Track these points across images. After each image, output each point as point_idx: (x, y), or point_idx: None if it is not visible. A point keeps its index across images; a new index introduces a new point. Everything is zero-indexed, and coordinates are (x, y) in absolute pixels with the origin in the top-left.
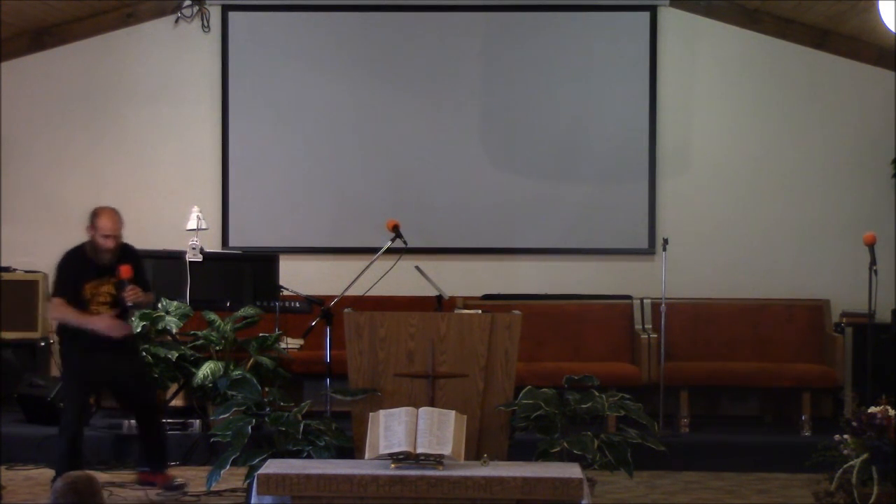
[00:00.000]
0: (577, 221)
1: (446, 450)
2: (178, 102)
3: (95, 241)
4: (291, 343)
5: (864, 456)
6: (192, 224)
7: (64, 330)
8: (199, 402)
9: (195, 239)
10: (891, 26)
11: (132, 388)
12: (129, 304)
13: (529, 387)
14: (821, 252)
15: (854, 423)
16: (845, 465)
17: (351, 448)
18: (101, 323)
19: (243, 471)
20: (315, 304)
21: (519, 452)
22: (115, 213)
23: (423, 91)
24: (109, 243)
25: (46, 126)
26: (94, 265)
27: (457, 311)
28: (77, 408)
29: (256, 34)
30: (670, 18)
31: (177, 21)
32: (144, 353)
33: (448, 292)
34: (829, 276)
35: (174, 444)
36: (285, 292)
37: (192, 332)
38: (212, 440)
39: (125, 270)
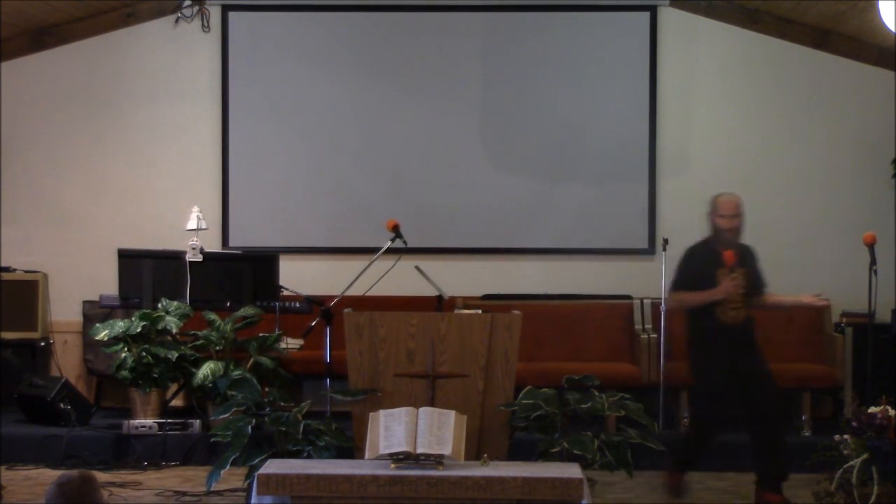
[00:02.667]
0: (577, 221)
1: (446, 450)
2: (178, 102)
3: (716, 224)
4: (291, 343)
5: (865, 456)
6: (192, 224)
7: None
8: (199, 402)
9: (195, 239)
10: (891, 26)
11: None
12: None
13: (529, 387)
14: (821, 252)
15: (854, 423)
16: (845, 466)
17: (351, 448)
18: (721, 289)
19: (243, 471)
20: (315, 304)
21: (519, 452)
22: (735, 196)
23: (423, 91)
24: (728, 223)
25: (46, 126)
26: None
27: (457, 311)
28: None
29: (256, 34)
30: (670, 18)
31: (177, 21)
32: (144, 353)
33: (448, 292)
34: (829, 276)
35: (174, 444)
36: (285, 292)
37: (192, 332)
38: (212, 440)
39: (728, 256)
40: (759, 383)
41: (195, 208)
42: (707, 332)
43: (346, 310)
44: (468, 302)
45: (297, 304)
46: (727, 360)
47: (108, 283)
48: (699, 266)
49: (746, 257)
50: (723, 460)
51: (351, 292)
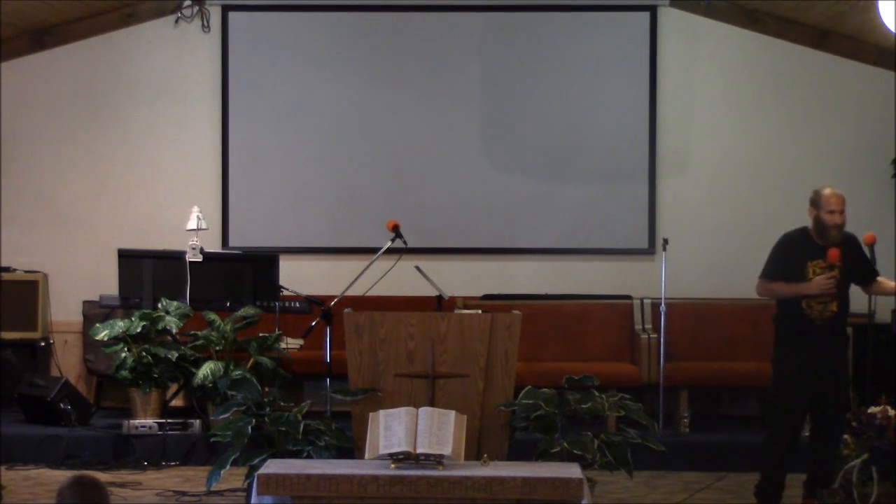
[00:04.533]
0: (577, 221)
1: (446, 450)
2: (178, 102)
3: (821, 219)
4: (291, 343)
5: (865, 456)
6: (192, 224)
7: (778, 322)
8: (199, 402)
9: (195, 239)
10: (891, 26)
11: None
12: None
13: (529, 387)
14: None
15: (854, 423)
16: (846, 466)
17: (351, 448)
18: (814, 284)
19: (243, 471)
20: (315, 304)
21: (519, 452)
22: (839, 192)
23: (423, 91)
24: (836, 219)
25: (46, 126)
26: (817, 246)
27: (457, 311)
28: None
29: (256, 34)
30: (670, 18)
31: (177, 21)
32: (144, 353)
33: (448, 292)
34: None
35: (174, 444)
36: (285, 292)
37: (192, 332)
38: (212, 440)
39: (833, 254)
40: (832, 383)
41: (195, 208)
42: (789, 329)
43: (346, 310)
44: (468, 302)
45: (297, 304)
46: (809, 357)
47: (108, 283)
48: (793, 255)
49: (851, 249)
50: (722, 460)
51: (351, 292)
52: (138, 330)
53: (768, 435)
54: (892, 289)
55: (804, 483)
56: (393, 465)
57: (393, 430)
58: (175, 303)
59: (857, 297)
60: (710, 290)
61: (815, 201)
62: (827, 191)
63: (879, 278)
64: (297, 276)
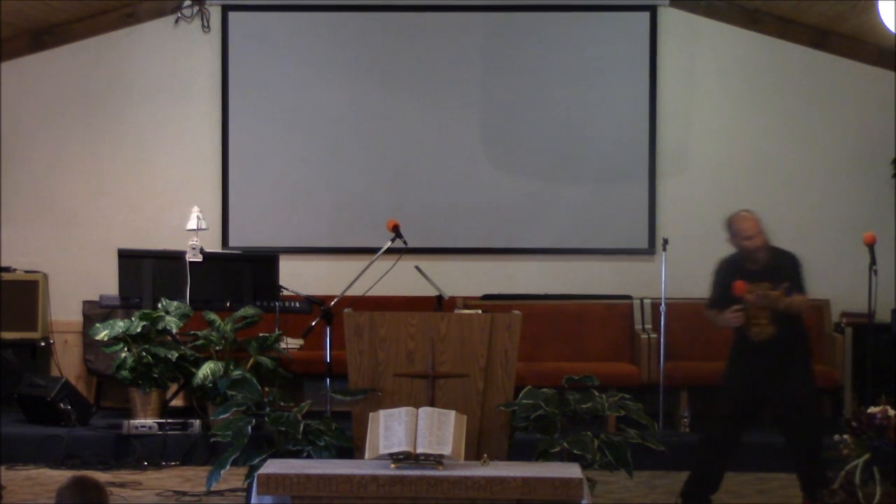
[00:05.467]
0: (577, 221)
1: (446, 450)
2: (179, 103)
3: (742, 247)
4: (291, 343)
5: (866, 456)
6: (192, 224)
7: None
8: (199, 402)
9: (195, 239)
10: (891, 26)
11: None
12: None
13: (529, 387)
14: (821, 252)
15: (854, 423)
16: (847, 466)
17: (351, 448)
18: (721, 318)
19: (243, 471)
20: (315, 304)
21: (519, 452)
22: (750, 213)
23: (424, 91)
24: (756, 243)
25: (46, 126)
26: (748, 270)
27: (457, 311)
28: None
29: (256, 34)
30: (670, 18)
31: (177, 21)
32: (144, 353)
33: (448, 292)
34: (829, 276)
35: (174, 444)
36: (285, 292)
37: (192, 332)
38: (212, 440)
39: (738, 287)
40: (781, 399)
41: (195, 208)
42: (736, 346)
43: (346, 310)
44: (468, 302)
45: (297, 304)
46: (751, 374)
47: (108, 283)
48: (724, 281)
49: (781, 270)
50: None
51: (351, 292)
52: (138, 330)
53: (703, 438)
54: (794, 297)
55: (801, 487)
56: (393, 465)
57: (393, 430)
58: (175, 303)
59: (858, 297)
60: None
61: (730, 230)
62: (739, 217)
63: (798, 294)
64: (297, 276)
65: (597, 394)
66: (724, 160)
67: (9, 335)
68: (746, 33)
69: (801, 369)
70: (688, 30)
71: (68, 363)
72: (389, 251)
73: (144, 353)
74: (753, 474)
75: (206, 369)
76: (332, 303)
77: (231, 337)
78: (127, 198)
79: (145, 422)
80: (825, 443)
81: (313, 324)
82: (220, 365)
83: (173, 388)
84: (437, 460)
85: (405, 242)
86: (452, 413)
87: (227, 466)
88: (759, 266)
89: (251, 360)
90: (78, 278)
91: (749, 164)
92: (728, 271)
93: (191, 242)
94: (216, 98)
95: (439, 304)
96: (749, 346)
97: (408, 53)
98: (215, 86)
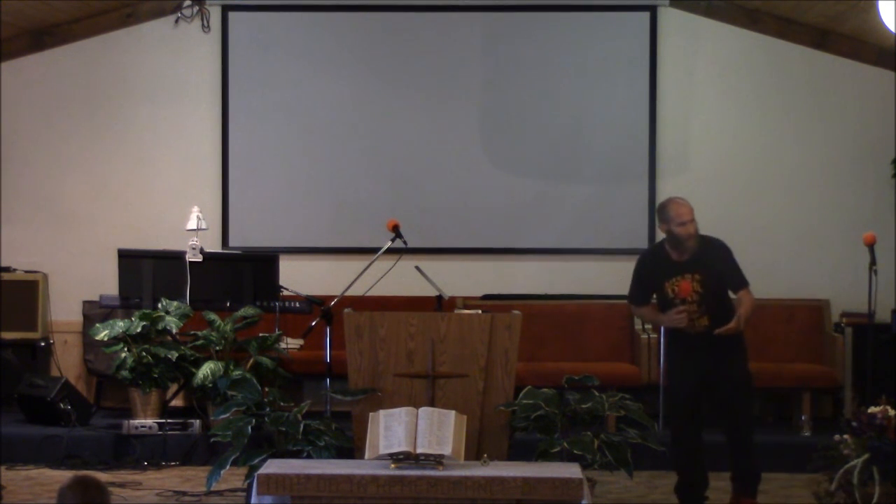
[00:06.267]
0: (577, 221)
1: (446, 450)
2: (178, 102)
3: (674, 233)
4: (291, 343)
5: (866, 456)
6: (192, 224)
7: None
8: (199, 402)
9: (195, 239)
10: (891, 26)
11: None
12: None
13: (529, 387)
14: (821, 252)
15: (854, 423)
16: (846, 466)
17: (351, 448)
18: (665, 318)
19: (243, 471)
20: (315, 304)
21: (519, 452)
22: (684, 199)
23: (423, 91)
24: (689, 229)
25: (46, 126)
26: (673, 262)
27: (457, 311)
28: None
29: (256, 34)
30: (670, 18)
31: (177, 21)
32: (144, 353)
33: (448, 292)
34: (829, 276)
35: (174, 444)
36: (285, 292)
37: (192, 332)
38: (212, 440)
39: (683, 289)
40: (725, 389)
41: (195, 208)
42: (672, 339)
43: (346, 310)
44: (468, 302)
45: (297, 304)
46: (690, 367)
47: (108, 283)
48: (650, 276)
49: (715, 258)
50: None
51: (351, 292)
52: (138, 330)
53: (670, 441)
54: (745, 309)
55: (732, 483)
56: (393, 465)
57: (393, 430)
58: (175, 303)
59: (858, 297)
60: None
61: (663, 215)
62: (673, 203)
63: (742, 292)
64: (297, 276)
65: (597, 394)
66: (724, 160)
67: (9, 335)
68: (746, 33)
69: (738, 362)
70: (688, 30)
71: (68, 363)
72: (389, 251)
73: (144, 353)
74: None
75: (206, 369)
76: (332, 303)
77: (231, 337)
78: (127, 198)
79: (145, 422)
80: (756, 440)
81: (313, 324)
82: (220, 365)
83: (173, 388)
84: (437, 460)
85: (405, 242)
86: (452, 413)
87: (227, 466)
88: (686, 257)
89: (251, 360)
90: (78, 278)
91: (749, 164)
92: (652, 264)
93: (191, 242)
94: (216, 98)
95: (439, 304)
96: (684, 340)
97: (408, 53)
98: (215, 86)
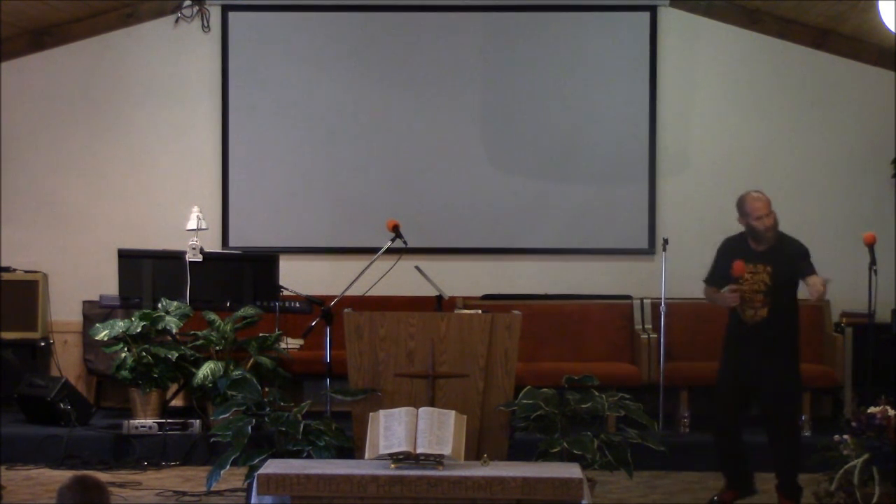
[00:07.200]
0: (577, 221)
1: (446, 450)
2: (178, 102)
3: (752, 226)
4: (291, 343)
5: (866, 456)
6: (192, 224)
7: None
8: (199, 402)
9: (195, 239)
10: (891, 26)
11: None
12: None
13: (529, 387)
14: (820, 252)
15: (854, 423)
16: (846, 466)
17: (351, 448)
18: (719, 297)
19: (243, 471)
20: (315, 304)
21: (519, 452)
22: (761, 193)
23: (423, 91)
24: (766, 223)
25: (46, 126)
26: (752, 250)
27: (457, 311)
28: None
29: (256, 34)
30: (670, 18)
31: (177, 21)
32: (144, 353)
33: (448, 292)
34: (829, 276)
35: (174, 444)
36: (285, 292)
37: (192, 332)
38: (212, 440)
39: (737, 268)
40: (770, 391)
41: (195, 208)
42: (728, 329)
43: (345, 310)
44: (468, 302)
45: (297, 304)
46: (739, 361)
47: (108, 283)
48: (726, 259)
49: (783, 254)
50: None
51: (351, 292)
52: (138, 330)
53: (713, 429)
54: (816, 291)
55: (776, 487)
56: (393, 465)
57: (393, 430)
58: (175, 303)
59: (857, 297)
60: None
61: (741, 210)
62: (750, 198)
63: (810, 279)
64: (297, 276)
65: (597, 394)
66: (724, 160)
67: (9, 335)
68: (746, 33)
69: (787, 361)
70: (688, 30)
71: (68, 363)
72: (389, 251)
73: (144, 353)
74: (753, 474)
75: (206, 369)
76: (332, 303)
77: (231, 337)
78: (127, 198)
79: (145, 422)
80: (802, 443)
81: (313, 324)
82: (220, 365)
83: (173, 388)
84: (437, 460)
85: (405, 242)
86: (452, 413)
87: (227, 466)
88: (764, 247)
89: (251, 360)
90: (78, 278)
91: (749, 164)
92: (731, 250)
93: (191, 242)
94: (216, 98)
95: (439, 304)
96: (741, 330)
97: (408, 53)
98: (215, 86)
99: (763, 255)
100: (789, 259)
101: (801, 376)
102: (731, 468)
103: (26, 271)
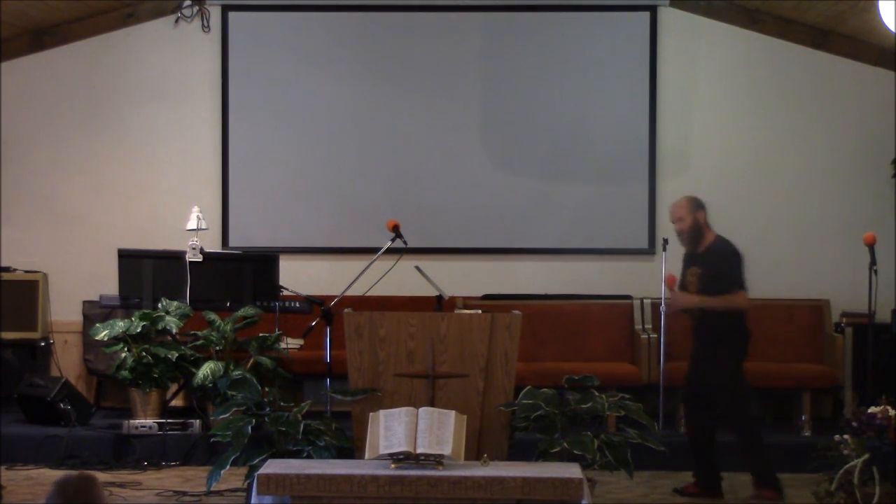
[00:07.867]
0: (577, 221)
1: (446, 450)
2: (178, 102)
3: None
4: (291, 343)
5: (866, 456)
6: (192, 224)
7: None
8: (199, 402)
9: (195, 239)
10: (891, 26)
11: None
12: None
13: (529, 387)
14: (821, 252)
15: (854, 424)
16: (846, 466)
17: (351, 448)
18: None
19: (243, 471)
20: (315, 304)
21: (519, 452)
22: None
23: (423, 91)
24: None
25: (46, 126)
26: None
27: (457, 311)
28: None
29: (256, 34)
30: (670, 18)
31: (177, 21)
32: (144, 353)
33: (448, 292)
34: (829, 276)
35: (174, 444)
36: (285, 292)
37: (192, 332)
38: (212, 440)
39: (668, 280)
40: (714, 386)
41: (195, 208)
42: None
43: (345, 310)
44: (468, 302)
45: (297, 304)
46: (689, 361)
47: (108, 283)
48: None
49: (710, 258)
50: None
51: (351, 292)
52: (138, 330)
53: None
54: (695, 296)
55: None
56: (393, 465)
57: (393, 430)
58: (175, 303)
59: (858, 297)
60: None
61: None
62: (672, 204)
63: (727, 296)
64: (297, 276)
65: (597, 394)
66: (724, 160)
67: (9, 335)
68: (746, 33)
69: (718, 361)
70: (688, 30)
71: (68, 363)
72: (389, 251)
73: (144, 353)
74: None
75: (206, 369)
76: (332, 303)
77: (231, 337)
78: (127, 198)
79: (145, 422)
80: (758, 437)
81: (313, 324)
82: (220, 365)
83: (173, 388)
84: (437, 460)
85: (405, 242)
86: (452, 413)
87: (227, 466)
88: (692, 251)
89: (251, 360)
90: (78, 278)
91: (749, 164)
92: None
93: (191, 242)
94: (216, 98)
95: (439, 304)
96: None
97: (408, 53)
98: (215, 86)
99: (694, 258)
100: (715, 263)
101: (741, 374)
102: (698, 465)
103: (26, 271)
